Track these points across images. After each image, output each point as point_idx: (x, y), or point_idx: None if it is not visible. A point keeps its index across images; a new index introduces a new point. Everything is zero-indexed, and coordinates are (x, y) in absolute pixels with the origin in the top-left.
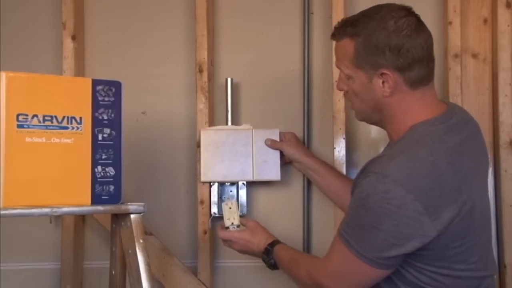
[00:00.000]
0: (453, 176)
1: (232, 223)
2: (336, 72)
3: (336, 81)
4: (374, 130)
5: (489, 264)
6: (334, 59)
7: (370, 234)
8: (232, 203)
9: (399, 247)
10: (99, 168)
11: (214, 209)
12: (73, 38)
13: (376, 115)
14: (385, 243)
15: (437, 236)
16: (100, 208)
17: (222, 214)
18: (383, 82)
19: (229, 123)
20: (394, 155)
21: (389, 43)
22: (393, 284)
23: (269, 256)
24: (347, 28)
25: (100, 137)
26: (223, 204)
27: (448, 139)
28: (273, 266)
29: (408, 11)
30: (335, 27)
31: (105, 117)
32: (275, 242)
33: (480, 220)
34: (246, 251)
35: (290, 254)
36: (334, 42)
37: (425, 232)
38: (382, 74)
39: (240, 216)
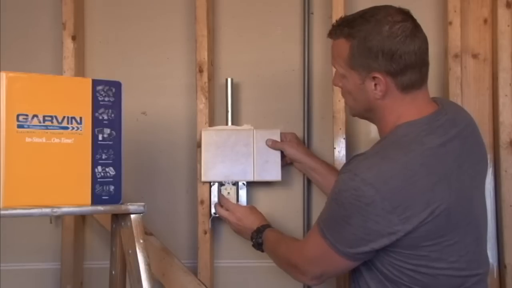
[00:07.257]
0: (427, 177)
1: None
2: None
3: None
4: (374, 130)
5: (474, 263)
6: None
7: (341, 228)
8: (231, 189)
9: (368, 242)
10: (99, 168)
11: (214, 209)
12: (73, 38)
13: (368, 114)
14: (355, 237)
15: (406, 234)
16: (100, 208)
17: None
18: (375, 85)
19: (229, 123)
20: (369, 155)
21: (383, 48)
22: (379, 282)
23: (258, 234)
24: (343, 28)
25: (100, 137)
26: (222, 188)
27: (427, 141)
28: (259, 245)
29: (405, 16)
30: (332, 26)
31: (105, 117)
32: (269, 225)
33: (463, 221)
34: (239, 223)
35: (276, 235)
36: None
37: (393, 230)
38: (374, 77)
39: None
